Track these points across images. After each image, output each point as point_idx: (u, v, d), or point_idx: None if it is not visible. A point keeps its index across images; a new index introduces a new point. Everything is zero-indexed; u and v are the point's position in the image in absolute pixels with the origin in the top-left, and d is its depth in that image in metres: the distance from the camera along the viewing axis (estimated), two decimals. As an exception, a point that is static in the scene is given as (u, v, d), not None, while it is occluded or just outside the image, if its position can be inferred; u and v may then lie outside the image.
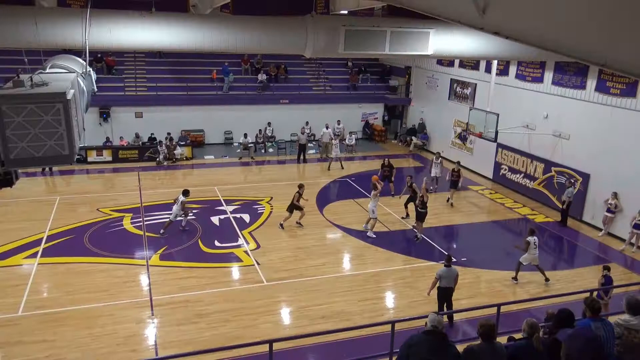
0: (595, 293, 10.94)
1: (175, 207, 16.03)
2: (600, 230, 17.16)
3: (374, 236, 16.30)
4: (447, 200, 19.63)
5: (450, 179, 19.45)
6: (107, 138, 24.83)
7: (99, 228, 16.44)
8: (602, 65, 4.59)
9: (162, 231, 15.96)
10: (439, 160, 20.94)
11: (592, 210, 17.85)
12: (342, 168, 23.91)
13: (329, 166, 24.02)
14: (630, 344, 6.18)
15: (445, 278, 11.25)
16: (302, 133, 25.51)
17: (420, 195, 15.99)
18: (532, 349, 5.49)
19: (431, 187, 20.75)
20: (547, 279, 13.53)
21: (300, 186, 16.95)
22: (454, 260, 14.76)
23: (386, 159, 20.91)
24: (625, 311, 6.37)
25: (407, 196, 17.81)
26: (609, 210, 16.73)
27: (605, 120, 17.09)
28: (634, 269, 14.66)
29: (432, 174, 20.88)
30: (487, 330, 5.47)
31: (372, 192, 16.40)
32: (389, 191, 20.09)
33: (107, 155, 23.87)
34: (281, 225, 16.72)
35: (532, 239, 13.24)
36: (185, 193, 16.19)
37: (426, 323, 5.57)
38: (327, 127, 26.01)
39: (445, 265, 11.37)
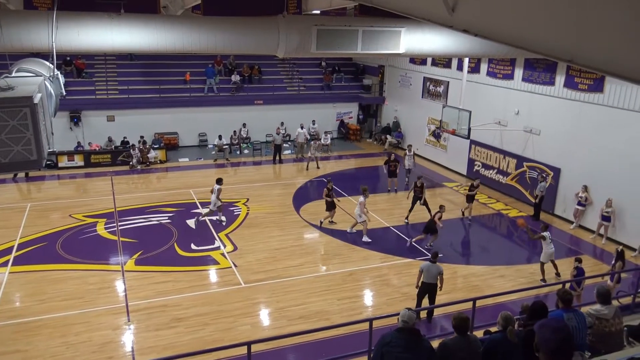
0: (568, 285, 11.18)
1: (213, 197, 16.68)
2: (572, 223, 17.53)
3: (370, 240, 15.90)
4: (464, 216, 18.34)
5: (467, 193, 18.14)
6: (79, 142, 24.38)
7: (71, 234, 16.14)
8: (568, 62, 4.69)
9: (201, 218, 17.14)
10: (411, 153, 21.30)
11: (563, 204, 18.22)
12: (318, 168, 23.93)
13: (307, 166, 24.00)
14: (602, 333, 6.33)
15: (426, 272, 11.24)
16: (278, 133, 25.48)
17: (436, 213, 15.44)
18: (507, 341, 5.56)
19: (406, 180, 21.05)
20: (557, 273, 13.69)
21: (329, 181, 17.32)
22: (429, 256, 14.97)
23: (392, 155, 21.30)
24: (596, 301, 6.53)
25: (412, 194, 17.74)
26: (579, 204, 17.10)
27: (574, 115, 17.46)
28: (604, 260, 14.99)
29: (405, 167, 21.31)
30: (460, 323, 5.53)
31: (362, 199, 15.82)
32: (393, 186, 20.69)
33: (78, 160, 23.43)
34: (331, 221, 17.12)
35: (547, 233, 13.24)
36: (219, 181, 16.74)
37: (398, 319, 5.60)
38: (302, 127, 26.01)
39: (430, 261, 11.39)
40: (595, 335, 6.32)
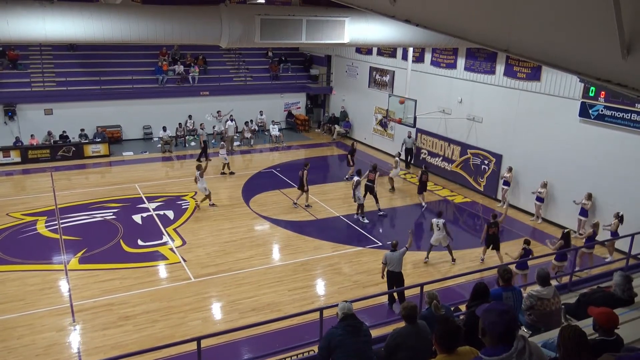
0: (514, 266, 11.60)
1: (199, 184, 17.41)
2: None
3: (367, 221, 16.87)
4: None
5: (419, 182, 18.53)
6: (17, 138, 23.17)
7: (9, 234, 15.41)
8: (505, 51, 4.81)
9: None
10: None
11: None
12: (232, 173, 21.81)
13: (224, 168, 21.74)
14: (543, 312, 6.62)
15: (390, 261, 11.38)
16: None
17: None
18: (432, 315, 6.17)
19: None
20: (453, 259, 14.17)
21: (374, 167, 17.80)
22: (380, 244, 15.23)
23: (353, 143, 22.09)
24: (537, 283, 6.83)
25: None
26: (505, 183, 17.99)
27: (514, 103, 18.06)
28: (542, 241, 15.54)
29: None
30: (409, 312, 5.67)
31: (356, 179, 16.75)
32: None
33: (15, 156, 22.35)
34: (381, 212, 17.51)
35: (435, 220, 13.93)
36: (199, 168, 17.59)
37: (337, 313, 5.81)
38: (231, 120, 25.48)
39: (390, 250, 11.53)
40: (537, 315, 6.60)
